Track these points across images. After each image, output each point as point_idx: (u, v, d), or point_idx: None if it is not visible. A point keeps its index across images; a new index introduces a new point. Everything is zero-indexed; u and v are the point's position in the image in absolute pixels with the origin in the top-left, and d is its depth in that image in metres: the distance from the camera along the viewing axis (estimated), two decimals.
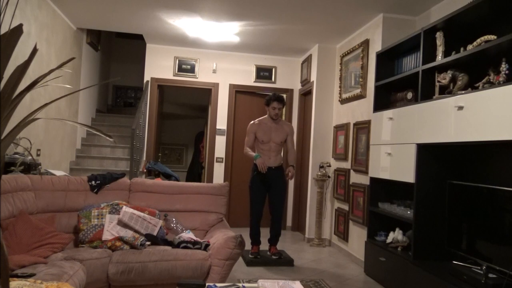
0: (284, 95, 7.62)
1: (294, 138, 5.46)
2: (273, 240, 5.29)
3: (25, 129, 1.33)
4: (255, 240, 5.28)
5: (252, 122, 5.24)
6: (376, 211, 4.55)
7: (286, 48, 7.01)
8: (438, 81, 3.73)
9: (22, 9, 4.52)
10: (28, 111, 1.36)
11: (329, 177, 6.30)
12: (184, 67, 7.30)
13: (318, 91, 6.52)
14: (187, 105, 10.33)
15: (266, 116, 5.24)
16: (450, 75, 3.59)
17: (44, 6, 5.16)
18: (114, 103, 10.17)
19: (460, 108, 3.21)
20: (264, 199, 5.26)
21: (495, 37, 3.12)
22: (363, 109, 5.38)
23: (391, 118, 4.31)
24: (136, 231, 3.58)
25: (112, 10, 5.56)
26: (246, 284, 2.76)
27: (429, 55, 3.83)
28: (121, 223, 3.59)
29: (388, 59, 4.70)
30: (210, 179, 7.36)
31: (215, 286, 2.56)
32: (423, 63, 3.86)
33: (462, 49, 3.43)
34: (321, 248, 6.11)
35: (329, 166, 6.34)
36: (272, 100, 5.10)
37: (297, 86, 7.60)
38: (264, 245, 5.33)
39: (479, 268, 3.19)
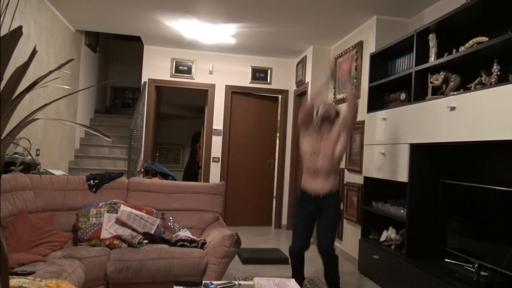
0: (280, 96, 7.72)
1: (346, 136, 3.77)
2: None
3: (24, 129, 1.35)
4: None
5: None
6: (370, 210, 4.59)
7: (281, 50, 7.06)
8: (431, 82, 3.77)
9: (21, 11, 4.55)
10: (28, 112, 1.39)
11: None
12: (181, 68, 7.34)
13: (313, 92, 6.56)
14: (184, 106, 10.36)
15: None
16: (443, 76, 3.63)
17: (43, 8, 5.19)
18: (112, 103, 10.19)
19: (453, 108, 3.25)
20: (308, 226, 3.88)
21: (487, 38, 3.17)
22: None
23: (384, 119, 4.35)
24: (134, 230, 3.62)
25: (110, 12, 5.60)
26: (242, 282, 2.79)
27: (422, 57, 3.87)
28: (119, 222, 3.63)
29: (382, 61, 4.75)
30: (206, 179, 7.40)
31: (212, 283, 2.59)
32: (416, 65, 3.90)
33: (454, 50, 3.47)
34: (316, 246, 6.12)
35: None
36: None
37: (292, 87, 7.65)
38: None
39: (471, 266, 3.22)
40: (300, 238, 3.80)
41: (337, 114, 3.85)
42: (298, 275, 3.89)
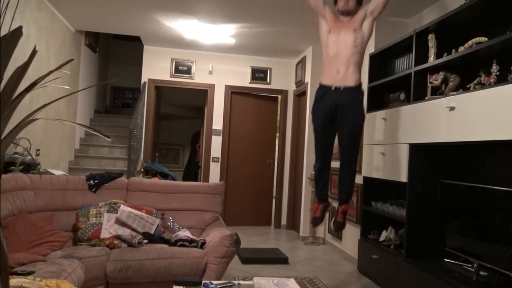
0: (279, 96, 7.72)
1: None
2: (346, 197, 3.81)
3: (24, 129, 1.35)
4: (318, 196, 3.88)
5: None
6: (369, 210, 4.60)
7: (281, 50, 7.06)
8: (430, 82, 3.78)
9: (21, 11, 4.56)
10: (28, 112, 1.39)
11: None
12: (181, 69, 7.34)
13: (313, 92, 6.48)
14: (183, 106, 10.37)
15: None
16: (442, 76, 3.63)
17: (43, 9, 5.20)
18: (112, 104, 10.20)
19: (452, 108, 3.25)
20: (330, 136, 3.69)
21: (486, 39, 3.17)
22: None
23: (384, 119, 4.36)
24: (133, 230, 3.63)
25: (110, 13, 5.61)
26: (241, 282, 2.81)
27: (422, 57, 3.88)
28: (119, 222, 3.64)
29: (381, 61, 4.76)
30: (206, 179, 7.41)
31: (211, 283, 2.59)
32: (416, 65, 3.90)
33: (453, 50, 3.48)
34: (315, 246, 6.17)
35: None
36: None
37: (291, 87, 7.65)
38: None
39: (471, 265, 3.23)
40: (322, 153, 3.67)
41: (359, 2, 3.56)
42: (321, 192, 3.83)
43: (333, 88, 3.47)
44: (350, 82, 3.48)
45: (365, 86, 4.98)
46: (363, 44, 3.53)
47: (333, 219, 3.86)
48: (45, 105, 1.48)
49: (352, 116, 3.49)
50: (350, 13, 3.54)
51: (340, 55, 3.50)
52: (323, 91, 3.57)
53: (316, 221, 3.87)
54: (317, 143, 3.70)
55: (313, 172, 3.88)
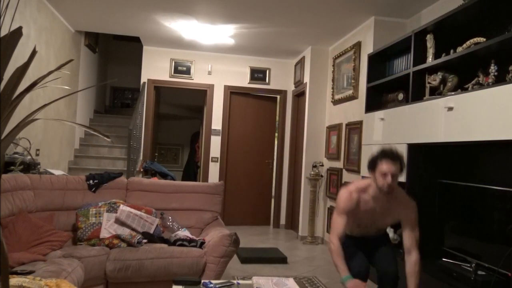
0: (278, 96, 7.73)
1: (415, 233, 3.04)
2: None
3: (24, 129, 1.35)
4: None
5: (346, 190, 2.97)
6: None
7: (279, 50, 7.08)
8: (429, 83, 3.78)
9: (21, 12, 4.56)
10: (28, 112, 1.39)
11: (322, 176, 6.38)
12: (180, 69, 7.36)
13: (311, 92, 6.60)
14: (183, 106, 10.38)
15: (369, 183, 2.93)
16: (440, 77, 3.64)
17: (43, 9, 5.21)
18: (112, 104, 10.21)
19: (450, 109, 3.26)
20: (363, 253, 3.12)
21: (484, 39, 3.18)
22: (355, 110, 5.45)
23: (382, 119, 4.37)
24: (133, 229, 3.64)
25: (109, 13, 5.61)
26: (240, 281, 2.81)
27: (420, 57, 3.89)
28: (119, 222, 3.65)
29: (380, 61, 4.77)
30: (205, 178, 7.42)
31: (210, 283, 2.59)
32: (414, 65, 3.91)
33: (452, 51, 3.49)
34: (314, 245, 6.18)
35: (322, 165, 6.41)
36: (380, 158, 2.82)
37: (290, 87, 7.67)
38: None
39: (469, 265, 3.24)
40: (361, 258, 3.04)
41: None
42: None
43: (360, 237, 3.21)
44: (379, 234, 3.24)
45: (363, 87, 5.03)
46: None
47: None
48: (45, 105, 1.47)
49: (386, 244, 3.24)
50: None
51: (369, 233, 3.19)
52: (350, 238, 3.20)
53: None
54: None
55: None
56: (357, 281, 2.69)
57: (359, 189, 2.95)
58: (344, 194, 2.94)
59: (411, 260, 2.95)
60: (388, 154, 2.81)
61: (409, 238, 2.95)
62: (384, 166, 2.75)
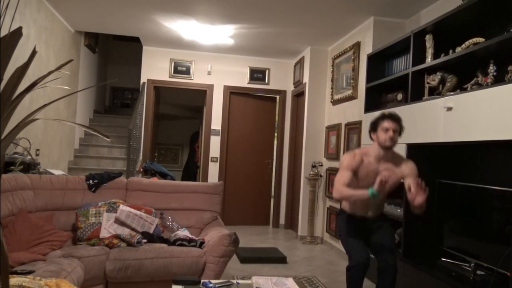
0: (277, 96, 7.74)
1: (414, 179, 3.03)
2: None
3: (24, 129, 1.35)
4: None
5: (349, 152, 3.27)
6: None
7: (279, 51, 7.09)
8: (428, 83, 3.79)
9: (21, 12, 4.57)
10: (28, 112, 1.39)
11: (321, 176, 6.39)
12: (180, 69, 7.37)
13: (311, 93, 6.61)
14: (182, 106, 10.39)
15: (371, 147, 3.23)
16: (439, 77, 3.64)
17: (43, 10, 5.21)
18: (111, 104, 10.21)
19: (449, 109, 3.27)
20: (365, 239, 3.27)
21: (483, 39, 3.19)
22: (354, 110, 5.46)
23: None
24: (132, 229, 3.64)
25: (109, 13, 5.62)
26: (240, 281, 2.81)
27: (419, 57, 3.89)
28: (118, 221, 3.65)
29: (379, 61, 4.78)
30: (205, 178, 7.43)
31: (210, 282, 2.60)
32: (413, 65, 3.92)
33: (451, 51, 3.50)
34: (313, 245, 6.19)
35: (321, 165, 6.43)
36: (382, 119, 3.14)
37: (290, 88, 7.68)
38: None
39: (468, 265, 3.25)
40: (362, 248, 3.13)
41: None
42: None
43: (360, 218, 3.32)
44: (377, 214, 3.35)
45: (362, 87, 5.03)
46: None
47: None
48: (45, 105, 1.48)
49: (386, 230, 3.32)
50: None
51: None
52: (350, 217, 3.39)
53: None
54: None
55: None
56: (377, 179, 2.85)
57: (362, 153, 3.18)
58: (347, 156, 3.19)
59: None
60: (389, 114, 3.13)
61: (413, 184, 2.93)
62: (386, 123, 3.06)
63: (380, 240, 3.19)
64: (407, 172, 3.10)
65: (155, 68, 7.34)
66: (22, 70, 1.27)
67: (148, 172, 7.00)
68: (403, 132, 3.16)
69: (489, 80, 3.16)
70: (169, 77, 7.37)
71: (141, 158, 7.24)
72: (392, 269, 3.08)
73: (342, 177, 3.07)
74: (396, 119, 3.10)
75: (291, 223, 7.39)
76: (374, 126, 3.16)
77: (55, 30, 5.74)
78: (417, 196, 2.82)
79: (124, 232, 3.59)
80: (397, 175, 3.14)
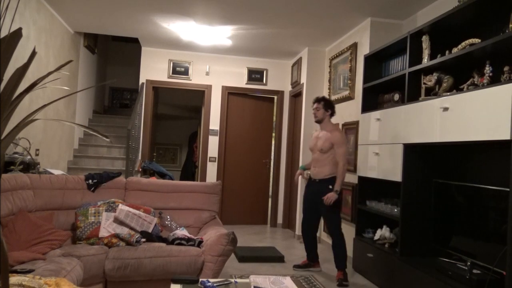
0: (275, 97, 7.76)
1: (340, 149, 4.44)
2: (336, 262, 4.48)
3: (24, 129, 1.36)
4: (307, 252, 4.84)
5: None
6: (364, 209, 4.64)
7: (277, 51, 7.11)
8: (424, 83, 3.81)
9: (21, 13, 4.58)
10: (27, 112, 1.40)
11: None
12: (178, 70, 7.39)
13: (308, 93, 6.62)
14: (181, 106, 10.41)
15: None
16: (436, 77, 3.66)
17: (42, 11, 5.23)
18: (111, 104, 10.22)
19: (445, 109, 3.29)
20: (312, 210, 4.68)
21: (479, 40, 3.20)
22: (351, 110, 5.48)
23: (378, 119, 4.40)
24: (131, 228, 3.67)
25: (108, 15, 5.64)
26: (238, 280, 2.82)
27: (416, 58, 3.91)
28: (117, 221, 3.68)
29: (376, 62, 4.80)
30: (203, 178, 7.45)
31: (208, 281, 2.60)
32: (410, 66, 3.94)
33: (447, 52, 3.51)
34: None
35: None
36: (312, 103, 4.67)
37: (287, 88, 7.70)
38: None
39: (464, 264, 3.25)
40: (306, 216, 4.70)
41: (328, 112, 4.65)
42: (309, 251, 4.79)
43: (312, 179, 4.70)
44: (320, 176, 4.59)
45: (359, 87, 5.06)
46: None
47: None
48: (45, 105, 1.49)
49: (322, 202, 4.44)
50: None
51: (314, 158, 4.76)
52: (309, 181, 4.81)
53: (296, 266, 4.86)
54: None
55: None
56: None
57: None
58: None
59: (339, 167, 4.41)
60: (315, 98, 4.69)
61: (337, 154, 4.44)
62: (313, 105, 4.64)
63: (322, 211, 4.56)
64: (332, 139, 4.45)
65: (153, 68, 7.36)
66: (22, 71, 1.27)
67: (147, 172, 7.02)
68: (331, 105, 4.63)
69: (485, 81, 3.17)
70: (168, 78, 7.39)
71: (140, 158, 7.26)
72: (331, 235, 4.57)
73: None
74: (317, 100, 4.62)
75: (289, 222, 7.41)
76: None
77: (55, 31, 5.75)
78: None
79: (123, 231, 3.61)
80: (326, 140, 4.48)
